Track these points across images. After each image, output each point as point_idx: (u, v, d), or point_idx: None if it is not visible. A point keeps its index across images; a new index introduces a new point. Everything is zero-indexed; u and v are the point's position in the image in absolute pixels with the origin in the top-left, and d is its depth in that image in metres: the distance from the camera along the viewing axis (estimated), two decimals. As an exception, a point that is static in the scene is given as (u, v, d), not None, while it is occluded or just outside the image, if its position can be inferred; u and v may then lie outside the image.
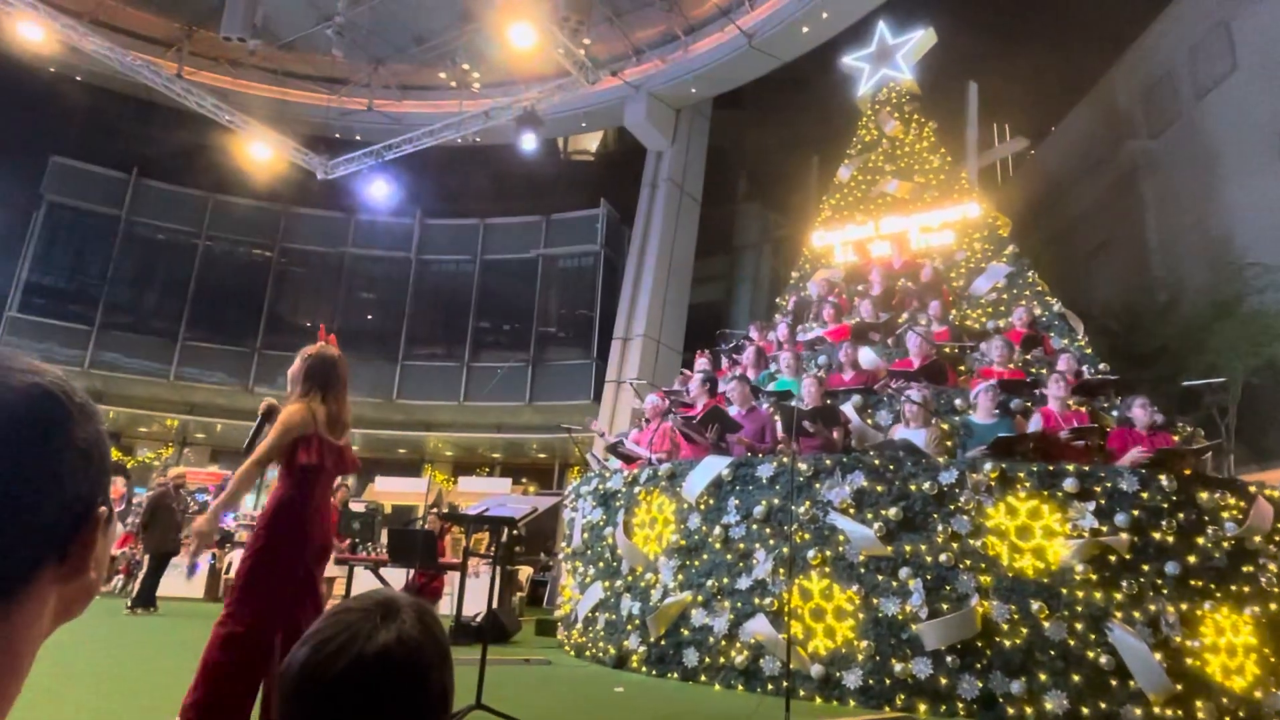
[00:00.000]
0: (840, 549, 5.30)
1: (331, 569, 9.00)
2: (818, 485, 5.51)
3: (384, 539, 9.36)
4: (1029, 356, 7.41)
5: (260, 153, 16.03)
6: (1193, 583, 4.77)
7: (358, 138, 18.33)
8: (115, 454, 18.30)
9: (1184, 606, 4.72)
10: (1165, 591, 4.75)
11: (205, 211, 18.91)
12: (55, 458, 0.56)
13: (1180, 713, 4.52)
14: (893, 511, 5.19)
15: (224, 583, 12.20)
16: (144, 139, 18.71)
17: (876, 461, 5.43)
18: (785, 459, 5.69)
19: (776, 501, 5.63)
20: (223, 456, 21.02)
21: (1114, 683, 4.59)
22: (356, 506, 10.51)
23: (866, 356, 7.60)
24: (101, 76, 16.80)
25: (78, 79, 17.30)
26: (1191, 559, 4.80)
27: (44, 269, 17.63)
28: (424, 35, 16.79)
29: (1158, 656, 4.58)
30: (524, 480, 19.23)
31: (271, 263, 19.35)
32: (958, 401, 6.53)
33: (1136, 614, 4.71)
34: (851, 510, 5.34)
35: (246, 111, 16.14)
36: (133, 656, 5.72)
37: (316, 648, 0.76)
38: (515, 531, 11.32)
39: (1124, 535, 4.83)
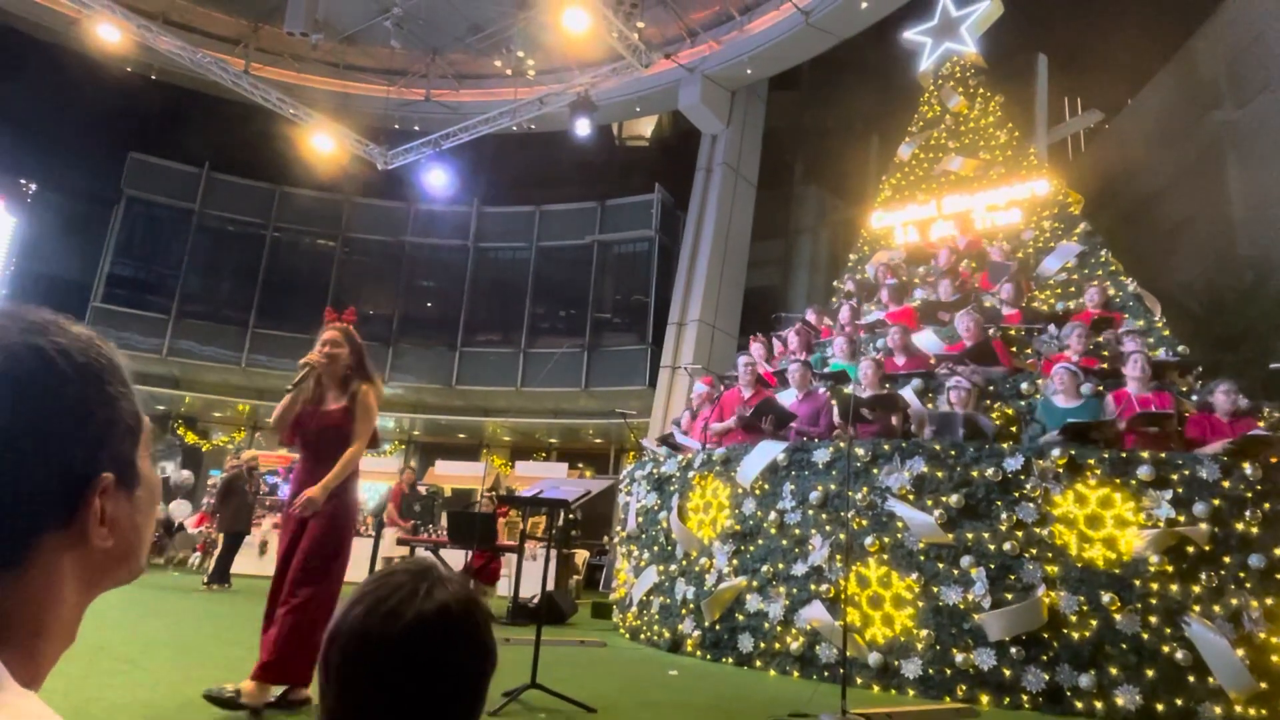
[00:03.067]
0: (899, 536, 5.19)
1: (394, 549, 9.26)
2: (875, 471, 5.40)
3: (444, 521, 9.56)
4: (1100, 339, 7.09)
5: (323, 145, 16.42)
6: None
7: (416, 128, 18.62)
8: (191, 438, 19.25)
9: (1269, 601, 4.47)
10: (1249, 585, 4.51)
11: (273, 203, 19.50)
12: (41, 420, 0.55)
13: (1264, 712, 4.29)
14: (954, 498, 5.05)
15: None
16: (215, 134, 19.35)
17: (937, 447, 5.28)
18: (842, 444, 5.58)
19: (833, 487, 5.54)
20: (292, 440, 21.74)
21: (1191, 679, 4.39)
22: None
23: (927, 339, 7.38)
24: (174, 75, 17.43)
25: (152, 78, 17.99)
26: (1278, 551, 4.53)
27: (124, 261, 18.45)
28: (480, 24, 16.91)
29: (1239, 653, 4.35)
30: (580, 465, 19.39)
31: (335, 252, 19.86)
32: (1024, 385, 6.30)
33: (1216, 608, 4.48)
34: (911, 496, 5.22)
35: (310, 105, 16.56)
36: (207, 630, 5.97)
37: (372, 608, 0.78)
38: (571, 515, 11.44)
39: (1203, 526, 4.60)
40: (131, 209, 18.64)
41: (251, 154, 18.77)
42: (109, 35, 14.14)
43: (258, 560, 12.25)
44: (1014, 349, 7.14)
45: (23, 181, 18.82)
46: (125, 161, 18.53)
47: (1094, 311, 7.38)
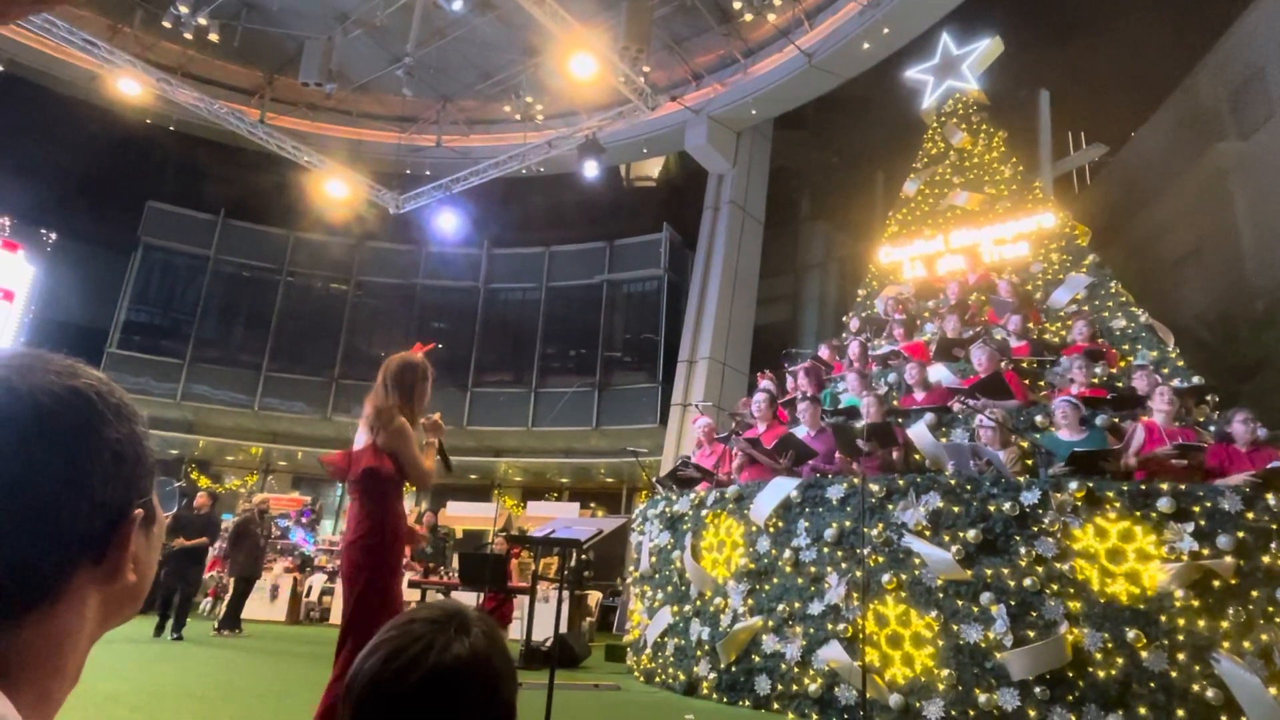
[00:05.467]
0: (917, 573, 5.10)
1: (406, 592, 9.17)
2: (891, 507, 5.34)
3: (455, 563, 9.49)
4: (1114, 370, 7.04)
5: (337, 191, 16.72)
6: (1309, 610, 4.40)
7: (427, 172, 18.94)
8: (204, 481, 19.30)
9: (1300, 636, 4.35)
10: (1278, 620, 4.40)
11: (286, 249, 19.80)
12: (85, 459, 0.56)
13: (1301, 753, 4.15)
14: (971, 533, 4.98)
15: (304, 606, 12.57)
16: (230, 182, 19.76)
17: (953, 481, 5.22)
18: (856, 480, 5.53)
19: (848, 524, 5.47)
20: (304, 483, 21.78)
21: (1223, 718, 4.27)
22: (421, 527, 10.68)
23: (941, 373, 7.35)
24: (192, 125, 17.87)
25: (171, 129, 18.45)
26: (1307, 584, 4.43)
27: (140, 307, 18.72)
28: (489, 71, 17.29)
29: (1272, 691, 4.23)
30: (592, 505, 19.27)
31: (347, 296, 20.09)
32: (1039, 418, 6.25)
33: (1246, 644, 4.37)
34: (927, 532, 5.15)
35: (324, 152, 16.90)
36: (219, 677, 5.91)
37: (388, 658, 0.76)
38: (584, 555, 11.33)
39: (1228, 559, 4.50)
40: (148, 257, 18.96)
41: (266, 201, 19.13)
42: (130, 89, 14.53)
43: (269, 605, 12.16)
44: (1026, 381, 7.10)
45: (43, 231, 19.19)
46: (143, 210, 18.90)
47: (1084, 344, 7.35)
